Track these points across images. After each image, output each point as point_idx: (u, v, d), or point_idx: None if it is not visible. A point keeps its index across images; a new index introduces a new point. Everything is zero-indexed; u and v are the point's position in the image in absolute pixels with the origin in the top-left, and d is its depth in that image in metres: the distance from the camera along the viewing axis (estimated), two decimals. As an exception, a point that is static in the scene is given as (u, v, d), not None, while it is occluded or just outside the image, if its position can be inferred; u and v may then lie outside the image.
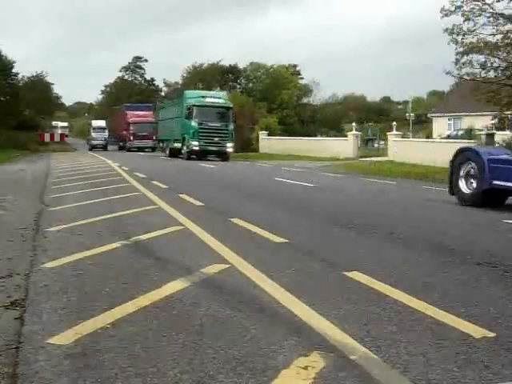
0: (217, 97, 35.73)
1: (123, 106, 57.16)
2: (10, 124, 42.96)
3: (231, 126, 33.88)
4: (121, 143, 56.11)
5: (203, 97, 34.56)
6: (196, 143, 32.59)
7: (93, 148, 56.47)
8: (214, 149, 33.13)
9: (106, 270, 5.61)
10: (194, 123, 32.73)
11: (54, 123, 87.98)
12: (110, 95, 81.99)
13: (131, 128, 51.15)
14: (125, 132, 52.51)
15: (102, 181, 16.22)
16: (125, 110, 55.29)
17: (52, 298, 4.67)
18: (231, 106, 34.83)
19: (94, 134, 66.69)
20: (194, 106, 33.10)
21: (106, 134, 66.02)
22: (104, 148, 58.23)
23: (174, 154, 36.34)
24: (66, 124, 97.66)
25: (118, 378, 3.14)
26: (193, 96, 35.14)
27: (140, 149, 50.26)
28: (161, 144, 42.54)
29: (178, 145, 35.54)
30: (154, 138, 47.58)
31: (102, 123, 68.88)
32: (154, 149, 48.53)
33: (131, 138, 51.14)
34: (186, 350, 3.52)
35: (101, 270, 5.58)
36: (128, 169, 21.59)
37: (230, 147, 33.48)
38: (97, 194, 12.81)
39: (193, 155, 33.47)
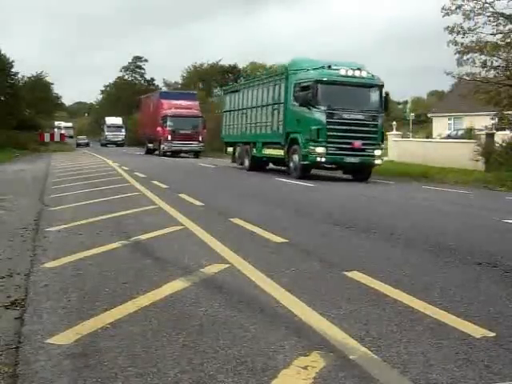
0: (354, 68, 18.93)
1: (156, 93, 44.43)
2: (10, 124, 42.88)
3: (381, 120, 19.08)
4: (150, 145, 42.18)
5: (330, 67, 18.58)
6: (322, 150, 18.09)
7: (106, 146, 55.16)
8: (354, 160, 18.50)
9: (106, 269, 5.61)
10: (317, 113, 18.12)
11: (56, 123, 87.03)
12: (110, 95, 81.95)
13: (169, 123, 37.37)
14: (159, 129, 38.37)
15: (102, 181, 16.22)
16: (159, 98, 41.48)
17: (52, 298, 4.67)
18: (382, 83, 19.30)
19: (108, 133, 62.72)
20: (317, 82, 18.15)
21: (123, 132, 61.67)
22: (121, 145, 56.09)
23: (260, 166, 22.84)
24: (70, 124, 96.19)
25: (118, 377, 3.14)
26: (308, 66, 19.36)
27: (180, 153, 37.76)
28: (229, 149, 26.34)
29: (272, 151, 21.17)
30: (201, 138, 37.67)
31: (117, 120, 64.54)
32: (198, 154, 37.55)
33: (169, 137, 37.18)
34: (186, 350, 3.52)
35: (101, 270, 5.58)
36: (128, 169, 21.59)
37: (378, 157, 18.90)
38: (97, 193, 12.81)
39: (307, 171, 19.19)
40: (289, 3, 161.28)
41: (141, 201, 11.34)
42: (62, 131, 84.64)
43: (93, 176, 18.16)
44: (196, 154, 37.40)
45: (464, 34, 20.97)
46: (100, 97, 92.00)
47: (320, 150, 18.01)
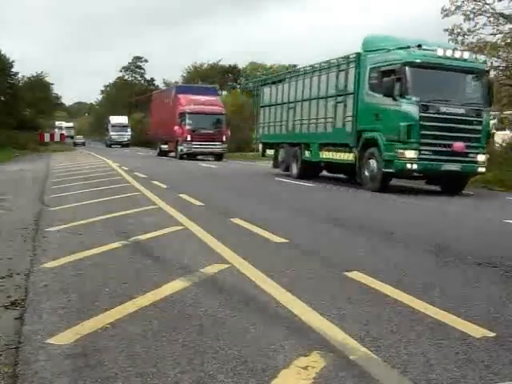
0: (452, 48, 15.86)
1: (172, 88, 40.14)
2: (10, 124, 42.92)
3: (486, 116, 15.07)
4: (164, 146, 37.78)
5: (420, 47, 14.42)
6: (413, 154, 14.10)
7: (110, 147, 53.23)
8: (455, 168, 14.46)
9: (106, 269, 5.61)
10: (406, 106, 14.06)
11: (57, 123, 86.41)
12: (110, 95, 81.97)
13: (188, 121, 32.68)
14: (176, 128, 33.47)
15: (102, 181, 16.22)
16: (176, 92, 36.76)
17: (52, 297, 4.67)
18: (487, 69, 16.53)
19: (113, 133, 60.71)
20: (405, 64, 14.16)
21: (129, 132, 60.28)
22: (127, 146, 54.29)
23: (314, 172, 19.08)
24: (71, 124, 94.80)
25: (118, 377, 3.14)
26: (387, 45, 15.24)
27: (200, 155, 33.64)
28: (269, 151, 22.25)
29: (334, 155, 17.06)
30: (224, 138, 33.16)
31: (122, 120, 62.63)
32: (220, 156, 33.49)
33: (188, 137, 32.59)
34: (186, 350, 3.52)
35: (101, 270, 5.58)
36: (128, 169, 21.58)
37: (482, 163, 14.84)
38: (97, 193, 12.81)
39: (387, 180, 15.22)
40: (289, 2, 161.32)
41: (141, 201, 11.34)
42: (63, 131, 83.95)
43: (93, 176, 18.16)
44: (218, 157, 33.13)
45: (464, 35, 20.98)
46: (100, 97, 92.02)
47: (411, 153, 13.86)
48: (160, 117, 39.75)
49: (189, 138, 32.57)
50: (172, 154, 36.11)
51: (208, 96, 35.53)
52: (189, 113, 32.93)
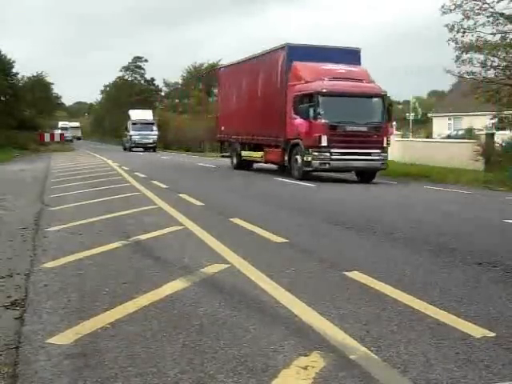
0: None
1: (278, 51, 20.29)
2: (10, 124, 42.91)
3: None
4: (250, 154, 22.43)
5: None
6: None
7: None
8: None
9: (106, 269, 5.61)
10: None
11: (61, 124, 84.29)
12: (110, 95, 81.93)
13: (321, 110, 17.70)
14: (298, 123, 18.09)
15: (102, 181, 16.22)
16: (288, 59, 19.40)
17: (52, 297, 4.67)
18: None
19: (134, 133, 47.25)
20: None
21: (155, 131, 47.83)
22: (153, 150, 45.18)
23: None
24: (77, 124, 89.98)
25: (118, 377, 3.14)
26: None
27: (345, 171, 19.27)
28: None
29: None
30: (386, 142, 18.34)
31: (146, 115, 50.50)
32: (373, 175, 18.88)
33: (323, 139, 17.59)
34: (186, 350, 3.52)
35: (101, 270, 5.58)
36: (128, 169, 21.58)
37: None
38: (97, 193, 12.80)
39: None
40: (289, 2, 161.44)
41: (141, 201, 11.34)
42: (68, 132, 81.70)
43: (93, 176, 18.16)
44: (369, 176, 18.69)
45: (464, 32, 20.96)
46: (100, 97, 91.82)
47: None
48: (243, 105, 22.83)
49: (324, 142, 17.50)
50: (265, 165, 22.15)
51: (350, 65, 19.24)
52: (325, 94, 17.68)
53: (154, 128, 48.51)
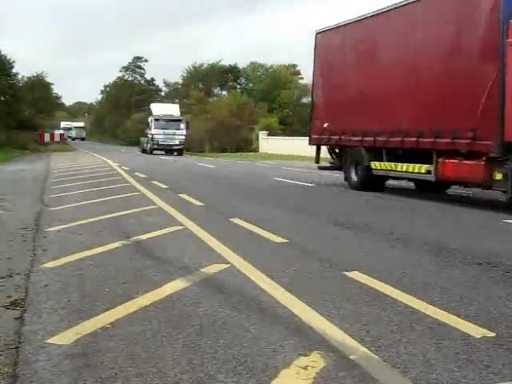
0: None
1: None
2: (10, 124, 42.95)
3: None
4: (421, 169, 12.58)
5: None
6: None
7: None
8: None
9: (106, 269, 5.61)
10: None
11: (64, 124, 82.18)
12: (110, 95, 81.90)
13: None
14: None
15: (102, 181, 16.23)
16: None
17: (52, 298, 4.67)
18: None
19: (157, 132, 38.53)
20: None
21: (183, 130, 39.18)
22: (179, 153, 37.33)
23: None
24: (81, 124, 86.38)
25: (118, 377, 3.14)
26: None
27: None
28: None
29: None
30: None
31: (173, 110, 41.41)
32: None
33: None
34: (186, 350, 3.52)
35: (101, 270, 5.58)
36: (128, 169, 21.58)
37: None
38: (97, 193, 12.81)
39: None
40: (289, 3, 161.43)
41: (141, 201, 11.34)
42: (73, 133, 79.73)
43: (93, 176, 18.17)
44: None
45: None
46: (100, 97, 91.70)
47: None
48: (381, 85, 14.07)
49: None
50: (398, 181, 15.31)
51: None
52: None
53: (182, 126, 39.73)
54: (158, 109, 41.87)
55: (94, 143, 71.79)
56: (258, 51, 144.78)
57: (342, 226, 8.57)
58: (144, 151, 41.27)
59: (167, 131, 39.21)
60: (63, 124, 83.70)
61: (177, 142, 39.71)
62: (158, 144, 39.30)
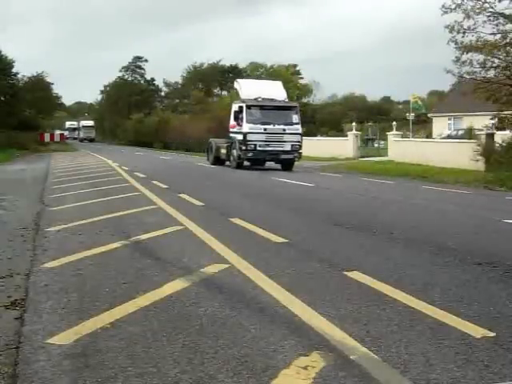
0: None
1: None
2: (10, 124, 42.95)
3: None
4: None
5: None
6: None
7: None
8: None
9: (106, 270, 5.61)
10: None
11: (69, 124, 78.58)
12: (109, 95, 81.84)
13: None
14: None
15: (102, 181, 16.22)
16: None
17: (52, 297, 4.67)
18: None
19: (251, 128, 22.17)
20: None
21: (298, 125, 23.07)
22: (288, 166, 22.19)
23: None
24: (91, 123, 78.05)
25: (118, 377, 3.14)
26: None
27: None
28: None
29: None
30: None
31: (276, 89, 24.42)
32: None
33: None
34: (186, 350, 3.52)
35: (101, 270, 5.58)
36: (128, 169, 21.58)
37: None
38: (97, 193, 12.81)
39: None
40: (289, 3, 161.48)
41: (141, 201, 11.34)
42: (81, 133, 75.62)
43: (93, 176, 18.16)
44: None
45: (464, 32, 20.96)
46: (100, 97, 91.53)
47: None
48: None
49: None
50: None
51: None
52: None
53: (296, 118, 23.17)
54: (252, 88, 24.13)
55: (95, 143, 71.72)
56: (258, 51, 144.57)
57: (342, 226, 8.56)
58: (218, 161, 24.77)
59: (271, 127, 22.45)
60: (68, 124, 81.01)
61: (288, 148, 22.74)
62: (255, 151, 22.47)
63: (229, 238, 7.25)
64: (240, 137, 22.72)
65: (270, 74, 64.83)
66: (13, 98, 46.23)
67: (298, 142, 22.99)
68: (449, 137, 35.95)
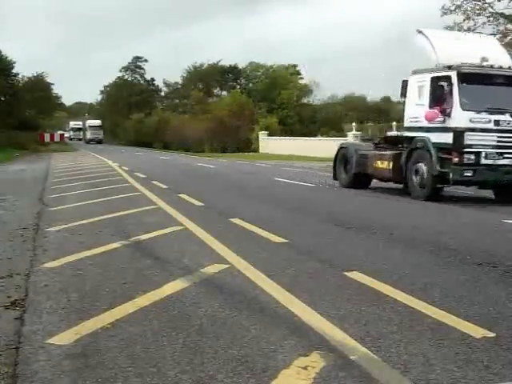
0: None
1: None
2: (10, 124, 42.98)
3: None
4: None
5: None
6: None
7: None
8: None
9: (106, 270, 5.61)
10: None
11: (73, 124, 75.47)
12: (109, 95, 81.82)
13: None
14: None
15: (102, 181, 16.22)
16: None
17: (52, 297, 4.67)
18: None
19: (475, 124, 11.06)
20: None
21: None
22: None
23: None
24: (98, 122, 72.51)
25: (118, 377, 3.14)
26: None
27: None
28: None
29: None
30: None
31: (502, 57, 12.13)
32: None
33: None
34: (186, 350, 3.52)
35: (101, 270, 5.58)
36: (128, 169, 21.57)
37: None
38: (97, 193, 12.81)
39: None
40: (289, 3, 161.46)
41: (141, 201, 11.34)
42: (88, 133, 72.53)
43: (93, 176, 18.16)
44: None
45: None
46: (100, 97, 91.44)
47: None
48: None
49: None
50: None
51: None
52: None
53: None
54: (453, 47, 13.18)
55: (96, 144, 71.73)
56: (258, 51, 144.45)
57: (342, 226, 8.56)
58: (359, 181, 15.17)
59: (508, 121, 11.81)
60: (72, 123, 78.63)
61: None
62: (479, 166, 11.77)
63: (229, 238, 7.25)
64: (442, 137, 12.00)
65: (270, 73, 64.86)
66: (13, 98, 46.28)
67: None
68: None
